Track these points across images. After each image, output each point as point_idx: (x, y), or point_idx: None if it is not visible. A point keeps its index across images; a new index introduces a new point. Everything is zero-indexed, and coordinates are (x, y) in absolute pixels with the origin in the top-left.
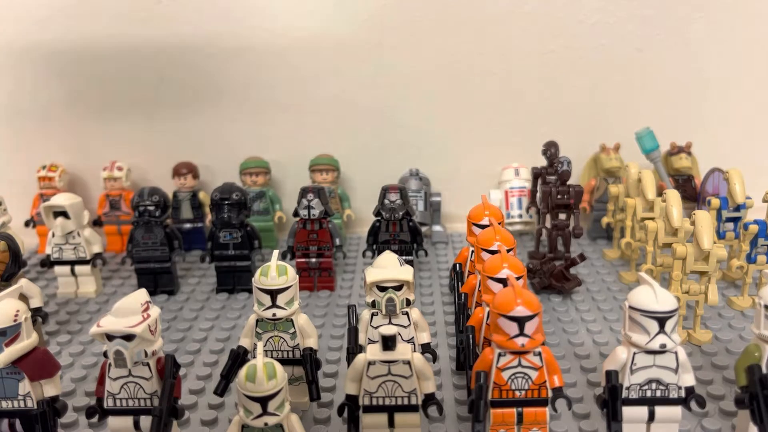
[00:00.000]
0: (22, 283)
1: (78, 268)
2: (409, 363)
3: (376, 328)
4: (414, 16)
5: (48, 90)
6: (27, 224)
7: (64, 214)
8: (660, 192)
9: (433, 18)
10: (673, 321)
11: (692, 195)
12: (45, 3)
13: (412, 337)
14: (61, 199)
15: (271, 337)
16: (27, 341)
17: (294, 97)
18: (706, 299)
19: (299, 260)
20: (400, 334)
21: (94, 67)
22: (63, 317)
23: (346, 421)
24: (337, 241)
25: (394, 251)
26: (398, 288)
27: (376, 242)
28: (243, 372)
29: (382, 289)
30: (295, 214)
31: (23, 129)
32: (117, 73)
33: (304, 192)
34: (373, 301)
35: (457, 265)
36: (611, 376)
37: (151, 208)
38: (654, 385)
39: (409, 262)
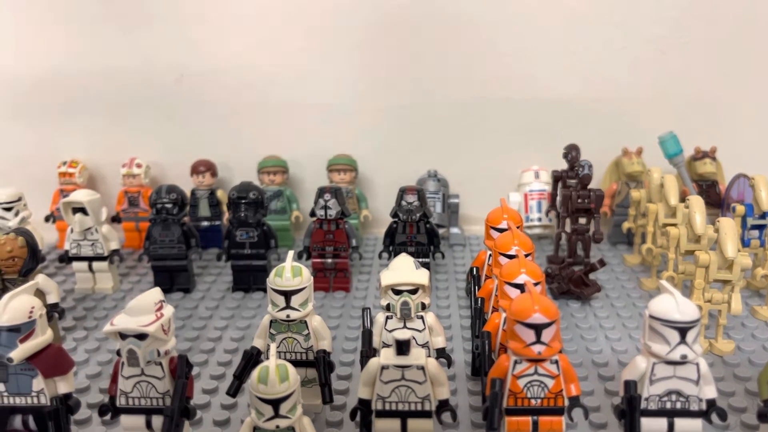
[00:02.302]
0: (39, 280)
1: (95, 264)
2: (423, 368)
3: (391, 331)
4: (434, 17)
5: (69, 87)
6: (47, 219)
7: (82, 210)
8: (683, 198)
9: (453, 18)
10: (695, 331)
11: (716, 201)
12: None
13: (427, 342)
14: (80, 196)
15: (284, 339)
16: (41, 338)
17: (313, 97)
18: (729, 308)
19: (315, 260)
20: (414, 338)
21: (115, 63)
22: (80, 313)
23: (358, 425)
24: (354, 242)
25: (411, 253)
26: (413, 291)
27: (393, 244)
28: (255, 373)
29: (397, 292)
30: (312, 214)
31: (45, 125)
32: (137, 71)
33: (321, 192)
34: (388, 304)
35: (474, 269)
36: (630, 386)
37: (169, 205)
38: (674, 397)
39: (426, 265)
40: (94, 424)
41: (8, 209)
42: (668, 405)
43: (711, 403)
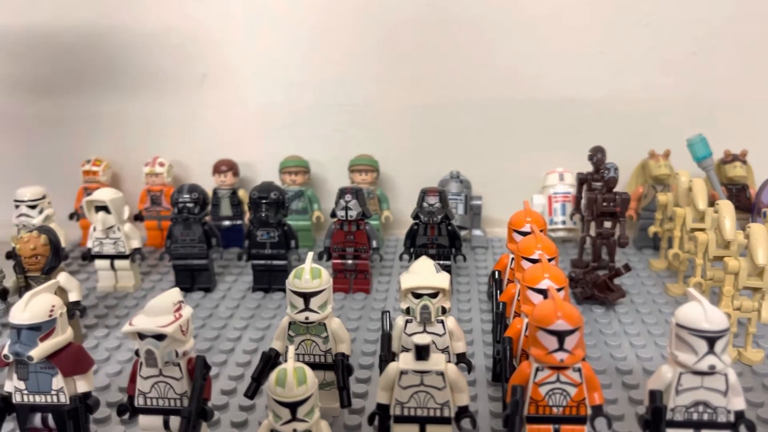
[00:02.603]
0: (61, 278)
1: (117, 263)
2: (442, 374)
3: (411, 335)
4: (457, 17)
5: (93, 85)
6: (71, 217)
7: (105, 208)
8: (712, 202)
9: (476, 19)
10: (724, 341)
11: (746, 206)
12: None
13: (447, 347)
14: (103, 194)
15: (303, 341)
16: (61, 336)
17: (336, 97)
18: (759, 316)
19: (335, 261)
20: (434, 342)
21: (138, 62)
22: (101, 311)
23: (376, 430)
24: (374, 243)
25: (432, 255)
26: (434, 295)
27: (414, 246)
28: (273, 376)
29: (417, 295)
30: (333, 214)
31: (70, 123)
32: (160, 69)
33: (342, 193)
34: (408, 308)
35: (496, 273)
36: (655, 396)
37: (190, 204)
38: (701, 408)
39: (447, 267)
40: (114, 423)
41: (33, 207)
42: (695, 416)
43: (739, 415)
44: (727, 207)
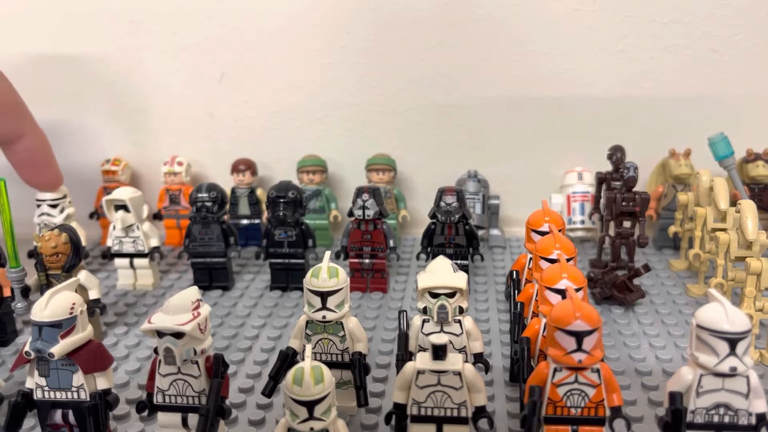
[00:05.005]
0: (81, 276)
1: (136, 261)
2: (459, 374)
3: (427, 335)
4: (475, 15)
5: (110, 86)
6: (91, 216)
7: (124, 207)
8: (734, 202)
9: (496, 16)
10: (746, 343)
11: None
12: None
13: (464, 346)
14: (122, 193)
15: (320, 340)
16: (82, 334)
17: (353, 96)
18: None
19: (352, 260)
20: (451, 342)
21: (158, 63)
22: (121, 309)
23: (393, 429)
24: (391, 243)
25: (449, 255)
26: (451, 295)
27: (431, 245)
28: (290, 375)
29: (435, 295)
30: (350, 214)
31: (89, 124)
32: (179, 69)
33: (359, 192)
34: (425, 308)
35: (514, 273)
36: (675, 398)
37: (209, 203)
38: (722, 410)
39: (464, 267)
40: (133, 419)
41: (54, 206)
42: (716, 419)
43: (761, 418)
44: (749, 207)
